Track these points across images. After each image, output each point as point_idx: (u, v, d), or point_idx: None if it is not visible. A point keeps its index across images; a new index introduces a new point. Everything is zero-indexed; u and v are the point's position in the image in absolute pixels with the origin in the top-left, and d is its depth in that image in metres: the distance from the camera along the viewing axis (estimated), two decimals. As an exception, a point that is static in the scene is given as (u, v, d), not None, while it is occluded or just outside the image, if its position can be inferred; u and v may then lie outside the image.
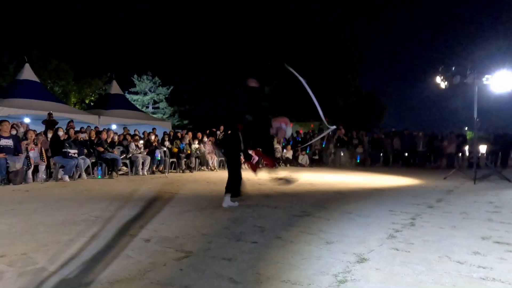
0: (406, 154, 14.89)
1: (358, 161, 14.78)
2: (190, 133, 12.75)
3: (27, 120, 12.63)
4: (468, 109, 9.70)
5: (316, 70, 25.37)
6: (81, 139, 9.48)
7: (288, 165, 14.34)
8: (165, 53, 38.91)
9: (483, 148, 10.76)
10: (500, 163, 13.54)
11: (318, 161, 14.77)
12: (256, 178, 9.44)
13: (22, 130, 9.20)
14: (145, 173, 10.14)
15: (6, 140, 7.73)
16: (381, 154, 15.05)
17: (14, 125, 8.80)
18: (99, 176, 9.18)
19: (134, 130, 12.65)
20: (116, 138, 10.71)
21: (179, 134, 12.68)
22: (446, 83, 9.06)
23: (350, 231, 3.64)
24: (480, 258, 2.85)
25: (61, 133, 8.92)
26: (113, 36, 36.21)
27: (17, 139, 8.03)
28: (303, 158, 14.40)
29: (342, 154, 14.90)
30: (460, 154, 14.32)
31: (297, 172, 11.65)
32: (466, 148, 14.15)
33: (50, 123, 11.45)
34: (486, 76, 8.39)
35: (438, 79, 9.29)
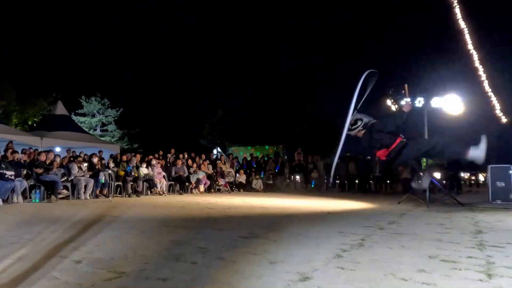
0: (361, 179, 15.33)
1: (313, 186, 15.03)
2: (138, 155, 12.44)
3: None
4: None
5: (274, 97, 26.12)
6: (18, 159, 8.96)
7: (241, 190, 14.30)
8: (115, 74, 38.19)
9: (437, 175, 11.18)
10: (456, 187, 14.17)
11: (272, 186, 14.86)
12: (205, 202, 9.41)
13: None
14: (88, 197, 9.69)
15: None
16: (337, 179, 15.40)
17: None
18: (37, 200, 8.65)
19: (80, 153, 12.16)
20: (58, 160, 10.21)
21: (124, 157, 12.31)
22: (396, 106, 9.48)
23: (297, 251, 3.63)
24: (426, 275, 2.90)
25: (-4, 154, 8.41)
26: (59, 55, 35.18)
27: None
28: (257, 183, 14.43)
29: (297, 178, 15.11)
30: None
31: (250, 196, 11.66)
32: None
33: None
34: (435, 98, 8.83)
35: (389, 102, 9.70)
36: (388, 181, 15.37)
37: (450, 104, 8.97)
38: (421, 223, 6.05)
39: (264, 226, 5.28)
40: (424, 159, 15.82)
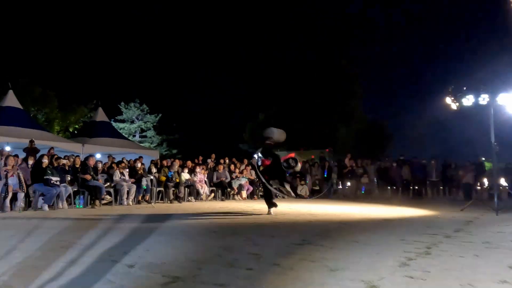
0: (417, 184, 14.80)
1: (363, 192, 14.66)
2: (178, 161, 12.68)
3: (7, 148, 12.58)
4: (483, 135, 9.53)
5: (316, 96, 25.62)
6: (63, 165, 9.40)
7: (285, 196, 14.17)
8: (154, 80, 39.39)
9: (503, 181, 10.57)
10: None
11: (319, 192, 14.65)
12: (250, 208, 9.41)
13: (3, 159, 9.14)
14: (130, 202, 9.98)
15: (-16, 167, 7.67)
16: (389, 184, 14.96)
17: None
18: (81, 206, 9.03)
19: (122, 159, 12.57)
20: (100, 166, 10.63)
21: (164, 162, 12.59)
22: (457, 104, 8.99)
23: (357, 259, 3.52)
24: (509, 286, 2.73)
25: (45, 160, 8.86)
26: (101, 62, 36.80)
27: (-4, 166, 7.97)
28: (303, 189, 14.27)
29: (348, 184, 14.80)
30: (478, 185, 14.15)
31: (296, 203, 11.55)
32: (485, 179, 14.02)
33: (31, 150, 11.38)
34: (501, 94, 8.28)
35: (448, 100, 9.20)
36: (447, 187, 14.76)
37: None
38: (493, 231, 5.71)
39: (316, 233, 5.19)
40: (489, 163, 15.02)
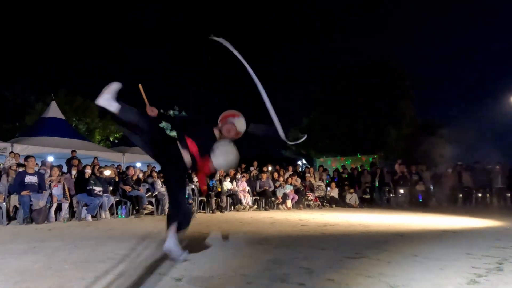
0: (480, 191, 14.19)
1: (420, 200, 14.18)
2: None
3: (50, 158, 13.28)
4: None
5: (364, 97, 25.09)
6: (106, 176, 9.78)
7: (333, 205, 13.99)
8: (195, 85, 40.26)
9: None
10: None
11: (370, 201, 14.31)
12: (296, 218, 9.33)
13: (47, 170, 9.66)
14: (173, 213, 10.16)
15: (31, 177, 8.15)
16: (447, 192, 14.40)
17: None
18: (123, 216, 9.33)
19: (162, 168, 12.92)
20: (141, 175, 10.96)
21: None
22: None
23: (419, 275, 3.39)
24: None
25: (87, 170, 9.27)
26: (141, 70, 38.04)
27: (41, 176, 8.42)
28: (352, 197, 14.01)
29: (401, 192, 14.38)
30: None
31: (345, 212, 11.35)
32: None
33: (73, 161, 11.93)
34: None
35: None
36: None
37: None
38: None
39: (370, 246, 5.05)
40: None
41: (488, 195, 14.13)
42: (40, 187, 8.16)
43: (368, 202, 14.19)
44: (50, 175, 8.91)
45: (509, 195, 14.22)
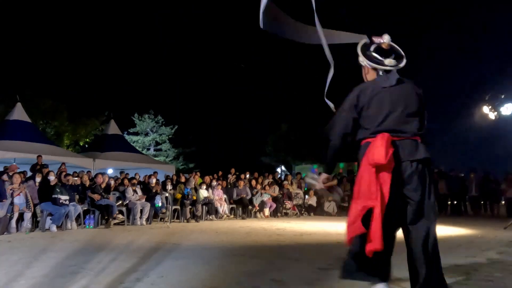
0: (455, 199, 14.53)
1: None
2: (196, 176, 12.72)
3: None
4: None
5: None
6: (73, 183, 9.56)
7: (312, 213, 14.08)
8: (169, 90, 39.79)
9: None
10: None
11: (348, 209, 14.44)
12: (273, 227, 9.34)
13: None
14: (144, 222, 10.05)
15: (-11, 185, 7.83)
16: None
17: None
18: (91, 226, 9.15)
19: (135, 175, 12.72)
20: (112, 183, 10.77)
21: (183, 178, 12.66)
22: (495, 113, 8.89)
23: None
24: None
25: (52, 177, 9.02)
26: (113, 72, 37.51)
27: (1, 183, 8.12)
28: (330, 206, 14.13)
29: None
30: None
31: (323, 221, 11.42)
32: None
33: (40, 167, 11.63)
34: None
35: (486, 109, 9.13)
36: (488, 203, 14.40)
37: None
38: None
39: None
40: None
41: (462, 203, 14.45)
42: (0, 196, 7.86)
43: (346, 210, 14.31)
44: (12, 183, 8.58)
45: (482, 203, 14.61)
